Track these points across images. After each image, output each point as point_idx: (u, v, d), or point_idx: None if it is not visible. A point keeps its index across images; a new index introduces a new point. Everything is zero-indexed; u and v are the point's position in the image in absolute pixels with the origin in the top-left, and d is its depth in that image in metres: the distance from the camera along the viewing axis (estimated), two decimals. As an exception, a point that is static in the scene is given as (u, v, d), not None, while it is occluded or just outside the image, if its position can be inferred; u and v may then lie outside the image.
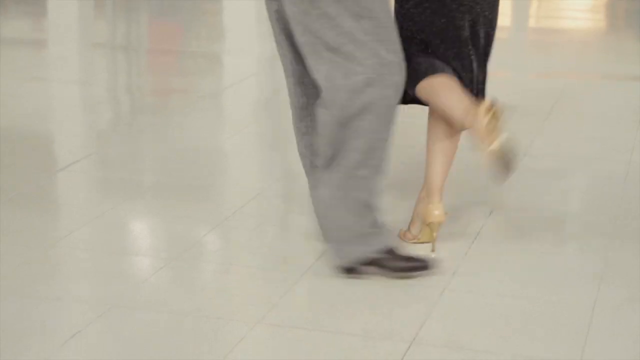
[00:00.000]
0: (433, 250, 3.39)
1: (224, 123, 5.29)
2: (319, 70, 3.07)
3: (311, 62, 3.08)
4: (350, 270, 3.20)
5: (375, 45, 3.02)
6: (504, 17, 3.48)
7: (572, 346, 2.83)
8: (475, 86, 3.34)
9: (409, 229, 3.49)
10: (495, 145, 3.15)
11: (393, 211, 3.61)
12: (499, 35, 3.46)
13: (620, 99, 5.54)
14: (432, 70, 3.26)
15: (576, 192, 4.21)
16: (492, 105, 3.19)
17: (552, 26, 7.95)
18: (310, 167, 3.29)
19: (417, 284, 3.24)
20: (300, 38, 3.07)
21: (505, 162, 3.18)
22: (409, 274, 3.20)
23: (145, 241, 3.67)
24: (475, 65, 3.32)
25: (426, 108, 3.40)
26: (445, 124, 3.34)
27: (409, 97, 3.33)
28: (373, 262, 3.19)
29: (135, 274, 3.34)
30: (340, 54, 3.02)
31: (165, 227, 3.73)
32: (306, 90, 3.23)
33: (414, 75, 3.25)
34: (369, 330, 2.90)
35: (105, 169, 4.40)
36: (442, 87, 3.26)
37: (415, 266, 3.21)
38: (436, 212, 3.36)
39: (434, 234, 3.38)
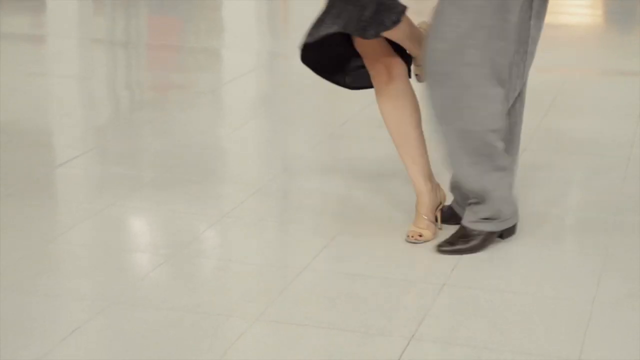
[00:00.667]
0: (440, 229, 3.53)
1: (224, 119, 5.28)
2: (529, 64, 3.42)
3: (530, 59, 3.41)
4: None
5: None
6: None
7: (571, 342, 2.83)
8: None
9: (430, 224, 3.49)
10: None
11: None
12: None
13: (619, 94, 5.54)
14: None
15: (575, 187, 4.20)
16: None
17: (551, 22, 7.92)
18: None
19: (416, 280, 3.24)
20: (538, 32, 3.38)
21: None
22: None
23: (145, 237, 3.67)
24: None
25: None
26: (404, 111, 3.44)
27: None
28: None
29: (134, 270, 3.34)
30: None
31: (165, 223, 3.72)
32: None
33: None
34: (368, 326, 2.90)
35: (105, 164, 4.40)
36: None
37: None
38: (444, 191, 3.56)
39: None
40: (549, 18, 3.47)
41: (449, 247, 3.38)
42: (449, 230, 3.48)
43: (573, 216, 3.85)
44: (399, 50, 3.43)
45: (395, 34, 3.30)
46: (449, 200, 3.58)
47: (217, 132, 4.93)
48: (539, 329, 2.91)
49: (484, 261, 3.37)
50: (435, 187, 3.51)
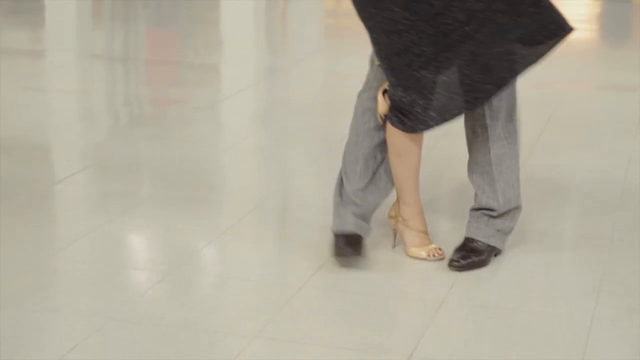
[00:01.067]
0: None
1: (222, 134, 5.29)
2: None
3: None
4: None
5: None
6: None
7: (571, 358, 2.83)
8: None
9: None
10: None
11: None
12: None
13: (617, 109, 5.55)
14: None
15: (573, 202, 4.21)
16: None
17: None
18: None
19: (415, 297, 3.24)
20: None
21: None
22: None
23: (143, 254, 3.67)
24: None
25: None
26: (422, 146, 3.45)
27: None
28: None
29: (133, 287, 3.34)
30: None
31: (163, 240, 3.73)
32: None
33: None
34: (366, 344, 2.90)
35: (103, 180, 4.40)
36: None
37: None
38: None
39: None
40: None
41: (463, 261, 3.39)
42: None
43: (571, 232, 3.85)
44: None
45: None
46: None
47: (216, 148, 4.94)
48: (538, 345, 2.91)
49: (483, 278, 3.37)
50: None
